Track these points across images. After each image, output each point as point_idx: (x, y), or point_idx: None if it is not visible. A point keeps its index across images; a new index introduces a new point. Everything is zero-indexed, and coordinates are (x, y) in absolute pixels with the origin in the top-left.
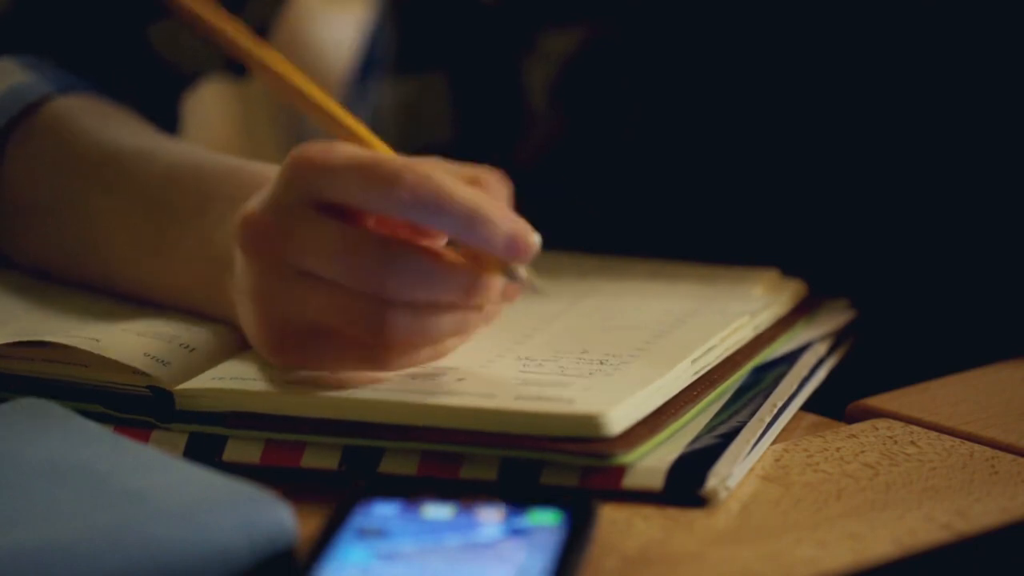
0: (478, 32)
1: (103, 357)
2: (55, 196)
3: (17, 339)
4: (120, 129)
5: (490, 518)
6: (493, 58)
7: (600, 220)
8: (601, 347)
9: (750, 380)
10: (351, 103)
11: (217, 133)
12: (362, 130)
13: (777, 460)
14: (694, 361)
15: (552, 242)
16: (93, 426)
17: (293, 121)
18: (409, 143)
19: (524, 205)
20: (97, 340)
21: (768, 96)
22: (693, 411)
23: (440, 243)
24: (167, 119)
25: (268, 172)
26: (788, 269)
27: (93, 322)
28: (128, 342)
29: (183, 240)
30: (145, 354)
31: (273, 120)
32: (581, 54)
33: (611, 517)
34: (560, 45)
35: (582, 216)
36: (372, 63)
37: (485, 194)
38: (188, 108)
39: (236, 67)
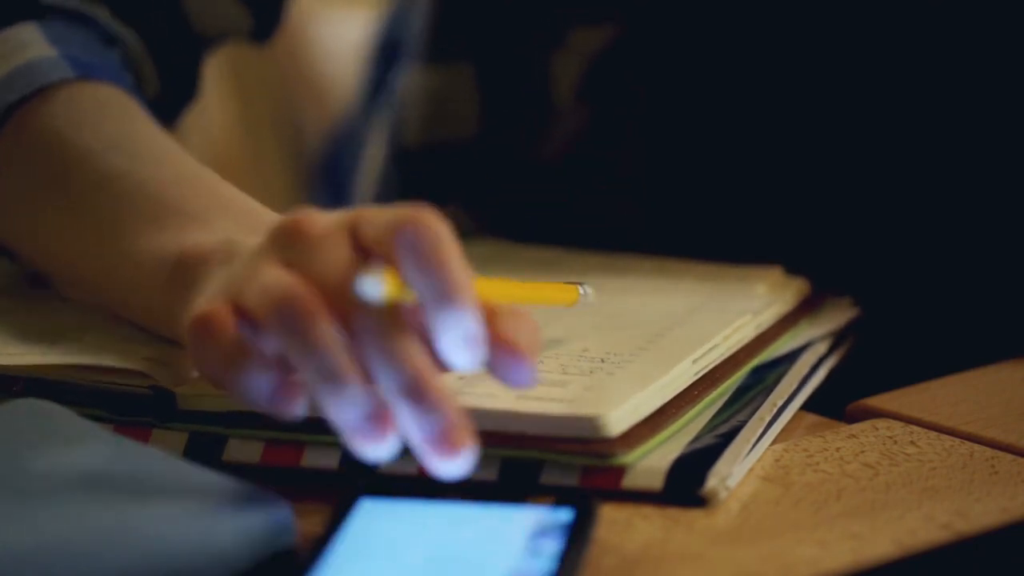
0: (508, 24)
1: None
2: (16, 190)
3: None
4: (106, 128)
5: (491, 518)
6: (522, 51)
7: (615, 216)
8: (602, 345)
9: (751, 379)
10: (369, 91)
11: (217, 133)
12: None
13: (777, 460)
14: (695, 361)
15: (560, 238)
16: (93, 426)
17: (293, 122)
18: (434, 133)
19: (545, 199)
20: (97, 354)
21: (775, 94)
22: (694, 411)
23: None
24: (188, 79)
25: (235, 195)
26: (792, 267)
27: (89, 328)
28: (126, 348)
29: (133, 252)
30: (145, 358)
31: (273, 120)
32: (611, 51)
33: (611, 517)
34: (591, 41)
35: (597, 212)
36: (395, 50)
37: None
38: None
39: (259, 33)
